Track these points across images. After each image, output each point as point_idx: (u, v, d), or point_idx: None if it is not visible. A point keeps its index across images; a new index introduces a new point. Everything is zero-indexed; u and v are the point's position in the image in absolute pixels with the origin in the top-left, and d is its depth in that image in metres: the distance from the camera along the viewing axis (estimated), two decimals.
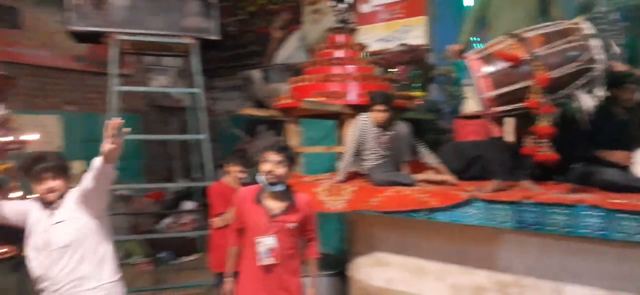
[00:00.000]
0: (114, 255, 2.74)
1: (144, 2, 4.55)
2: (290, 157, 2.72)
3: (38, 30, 7.45)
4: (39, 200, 2.56)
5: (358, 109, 4.05)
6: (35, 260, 2.50)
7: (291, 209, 2.73)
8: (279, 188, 2.70)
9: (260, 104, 7.69)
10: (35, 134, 4.01)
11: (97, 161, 2.33)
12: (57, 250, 2.47)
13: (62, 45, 7.70)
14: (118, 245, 6.50)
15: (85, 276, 2.53)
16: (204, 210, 6.40)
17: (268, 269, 2.68)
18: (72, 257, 2.50)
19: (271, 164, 2.65)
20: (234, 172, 3.80)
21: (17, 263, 3.58)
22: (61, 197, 2.55)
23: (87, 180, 2.42)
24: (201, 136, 4.50)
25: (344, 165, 3.90)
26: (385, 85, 4.35)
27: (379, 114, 3.74)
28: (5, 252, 3.38)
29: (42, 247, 2.48)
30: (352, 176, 4.03)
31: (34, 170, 2.49)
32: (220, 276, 3.78)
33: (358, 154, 3.90)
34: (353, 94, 4.21)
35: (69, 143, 7.78)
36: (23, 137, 3.74)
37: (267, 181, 2.66)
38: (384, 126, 3.79)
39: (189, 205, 7.35)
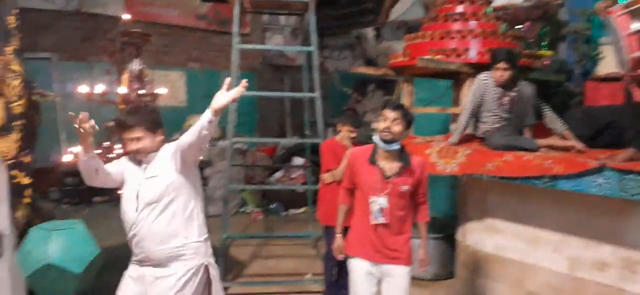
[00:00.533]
0: (203, 214, 2.71)
1: None
2: (406, 116, 2.65)
3: None
4: (129, 153, 2.58)
5: (478, 68, 3.82)
6: (127, 213, 2.50)
7: (405, 171, 2.68)
8: (394, 147, 2.64)
9: (371, 63, 7.60)
10: (164, 88, 4.34)
11: (207, 114, 2.31)
12: (146, 205, 2.46)
13: (188, 4, 8.22)
14: (234, 194, 6.98)
15: (172, 233, 2.50)
16: (313, 166, 6.58)
17: (379, 228, 2.68)
18: (162, 212, 2.47)
19: (387, 121, 2.60)
20: (344, 131, 3.81)
21: None
22: (152, 151, 2.54)
23: (189, 134, 2.39)
24: (314, 94, 4.56)
25: (460, 127, 3.72)
26: (509, 42, 4.04)
27: (501, 73, 3.49)
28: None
29: (133, 200, 2.48)
30: (466, 139, 3.85)
31: (126, 123, 2.50)
32: (327, 229, 3.88)
33: (475, 116, 3.70)
34: (474, 52, 3.96)
35: (191, 97, 8.39)
36: (155, 91, 4.05)
37: (382, 138, 2.62)
38: (506, 86, 3.54)
39: (299, 160, 7.59)
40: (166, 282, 2.48)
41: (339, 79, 6.13)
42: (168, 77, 7.89)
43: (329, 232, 3.86)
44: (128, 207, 2.50)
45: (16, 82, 2.95)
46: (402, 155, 2.68)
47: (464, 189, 4.06)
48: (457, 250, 4.25)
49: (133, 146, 2.48)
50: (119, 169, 2.58)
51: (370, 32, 7.37)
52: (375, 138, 2.66)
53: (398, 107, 2.63)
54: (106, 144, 4.04)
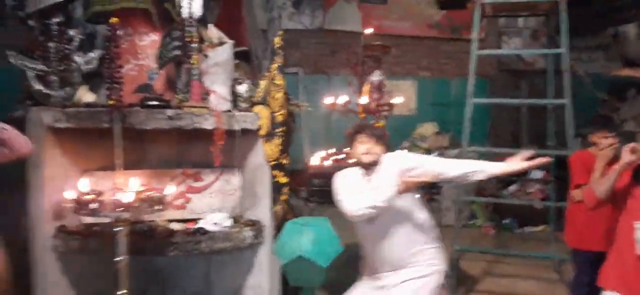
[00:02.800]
0: (433, 221, 2.73)
1: None
2: None
3: (402, 3, 8.25)
4: (356, 164, 2.69)
5: None
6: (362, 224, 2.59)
7: None
8: None
9: (632, 64, 6.48)
10: (399, 97, 4.43)
11: (489, 169, 2.52)
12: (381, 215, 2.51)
13: (421, 14, 8.31)
14: (464, 206, 6.76)
15: (410, 240, 2.58)
16: (557, 180, 5.91)
17: None
18: (397, 222, 2.57)
19: None
20: (601, 142, 3.28)
21: None
22: (377, 162, 2.60)
23: (456, 170, 2.54)
24: (564, 101, 4.09)
25: None
26: None
27: None
28: None
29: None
30: None
31: (359, 133, 2.63)
32: (576, 252, 3.45)
33: None
34: None
35: (420, 106, 8.45)
36: (392, 101, 4.18)
37: None
38: None
39: (537, 173, 6.93)
40: (407, 285, 2.55)
41: (590, 83, 5.37)
42: (399, 87, 8.10)
43: (578, 256, 3.42)
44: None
45: (279, 95, 3.37)
46: None
47: None
48: None
49: (366, 158, 2.60)
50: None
51: (632, 29, 6.28)
52: None
53: None
54: (346, 149, 4.34)
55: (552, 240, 5.05)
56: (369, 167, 2.61)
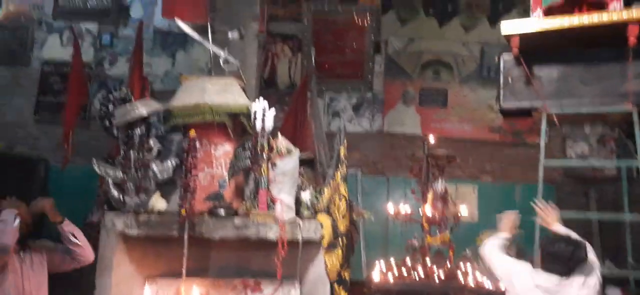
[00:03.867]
0: None
1: (579, 71, 4.25)
2: None
3: (462, 106, 8.24)
4: None
5: None
6: None
7: None
8: None
9: None
10: (464, 206, 4.30)
11: None
12: None
13: (482, 119, 8.24)
14: None
15: None
16: None
17: None
18: None
19: None
20: None
21: None
22: None
23: None
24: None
25: None
26: None
27: None
28: None
29: None
30: None
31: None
32: None
33: None
34: None
35: (482, 212, 8.13)
36: (459, 212, 4.06)
37: None
38: None
39: (615, 292, 6.34)
40: None
41: None
42: (460, 190, 7.90)
43: None
44: None
45: (342, 203, 3.34)
46: None
47: None
48: None
49: None
50: None
51: None
52: None
53: None
54: (408, 263, 4.19)
55: None
56: None
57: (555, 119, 4.58)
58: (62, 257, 2.96)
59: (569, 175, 8.18)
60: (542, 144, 4.33)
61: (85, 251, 2.65)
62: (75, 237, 2.88)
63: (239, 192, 3.35)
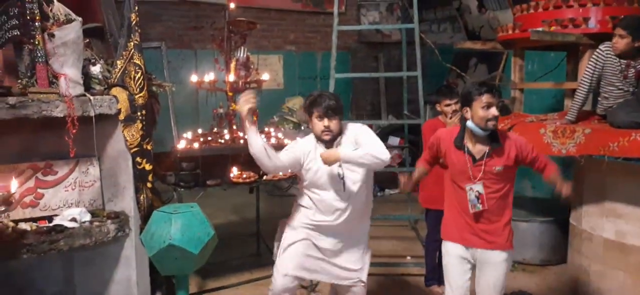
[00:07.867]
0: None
1: None
2: (502, 102, 2.50)
3: None
4: (315, 137, 2.77)
5: (599, 38, 3.49)
6: (332, 194, 2.74)
7: (496, 151, 2.52)
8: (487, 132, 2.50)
9: (473, 36, 7.23)
10: (266, 74, 4.45)
11: (385, 155, 2.60)
12: (353, 184, 2.72)
13: None
14: None
15: (358, 215, 2.83)
16: (411, 146, 6.46)
17: (477, 215, 2.56)
18: (364, 191, 2.79)
19: (491, 107, 2.43)
20: (446, 109, 3.66)
21: (255, 186, 4.17)
22: (336, 137, 2.73)
23: (370, 151, 2.60)
24: (416, 73, 4.42)
25: (577, 104, 3.44)
26: (635, 9, 3.64)
27: (616, 39, 3.17)
28: (249, 176, 3.90)
29: (337, 181, 2.71)
30: (584, 116, 3.56)
31: (316, 108, 2.68)
32: (429, 212, 3.81)
33: (595, 91, 3.40)
34: (593, 21, 3.62)
35: (287, 80, 8.58)
36: (260, 77, 4.18)
37: (487, 126, 2.46)
38: (633, 57, 3.20)
39: (394, 140, 7.49)
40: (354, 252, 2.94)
41: (438, 54, 5.88)
42: (267, 61, 8.12)
43: (430, 215, 3.79)
44: (332, 188, 2.72)
45: (138, 75, 3.18)
46: (491, 135, 2.51)
47: (580, 170, 3.78)
48: (570, 234, 4.00)
49: (326, 136, 2.70)
50: (296, 155, 2.76)
51: (473, 2, 6.96)
52: (471, 124, 2.50)
53: (497, 91, 2.48)
54: (215, 130, 4.27)
55: (408, 201, 5.57)
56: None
57: None
58: None
59: (363, 41, 9.02)
60: (336, 10, 4.59)
61: None
62: None
63: (12, 68, 2.93)
